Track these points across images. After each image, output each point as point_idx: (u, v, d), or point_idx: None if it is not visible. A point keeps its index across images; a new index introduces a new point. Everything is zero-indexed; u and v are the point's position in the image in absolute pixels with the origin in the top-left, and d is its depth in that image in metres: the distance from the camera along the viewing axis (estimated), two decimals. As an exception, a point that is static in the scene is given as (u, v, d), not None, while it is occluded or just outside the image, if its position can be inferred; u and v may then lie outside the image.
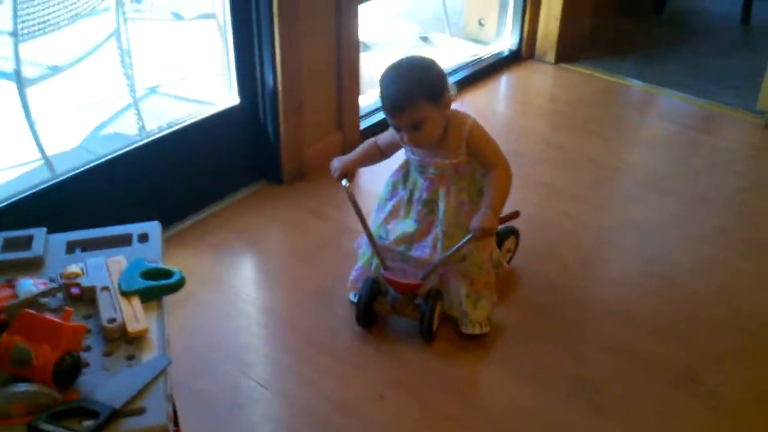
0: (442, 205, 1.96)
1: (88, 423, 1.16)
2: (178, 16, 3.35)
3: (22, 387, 1.18)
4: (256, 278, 2.43)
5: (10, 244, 1.54)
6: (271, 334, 2.17)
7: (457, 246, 1.94)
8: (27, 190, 2.20)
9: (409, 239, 2.01)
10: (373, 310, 2.07)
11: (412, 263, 2.02)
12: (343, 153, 2.92)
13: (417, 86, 1.82)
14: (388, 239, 2.03)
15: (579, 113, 3.35)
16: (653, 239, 2.55)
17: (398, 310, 2.05)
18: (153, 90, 3.34)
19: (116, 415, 1.18)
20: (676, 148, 3.10)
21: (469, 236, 1.91)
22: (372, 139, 2.10)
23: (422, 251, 1.99)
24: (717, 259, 2.46)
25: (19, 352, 1.20)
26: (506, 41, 3.78)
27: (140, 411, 1.19)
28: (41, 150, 2.73)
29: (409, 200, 2.03)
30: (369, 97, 3.25)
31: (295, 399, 1.93)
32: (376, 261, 2.08)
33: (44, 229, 1.59)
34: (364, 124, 3.04)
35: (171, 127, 2.53)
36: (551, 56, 3.72)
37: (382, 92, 1.87)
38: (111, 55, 3.03)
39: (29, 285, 1.36)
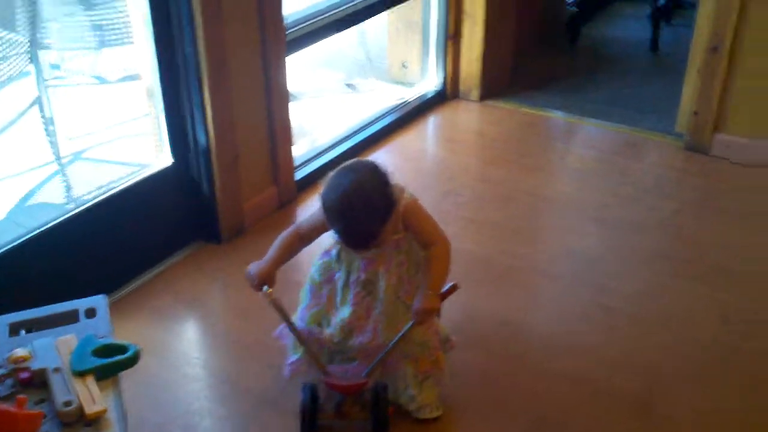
0: (382, 283, 1.85)
1: None
2: (101, 80, 3.30)
3: (-23, 485, 1.12)
4: (202, 341, 2.38)
5: (-51, 332, 1.48)
6: (224, 396, 2.13)
7: (400, 334, 1.82)
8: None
9: (348, 327, 1.87)
10: (317, 421, 1.88)
11: (349, 352, 1.90)
12: (280, 206, 2.94)
13: (377, 221, 1.72)
14: (328, 330, 1.89)
15: (508, 147, 3.41)
16: (594, 268, 2.60)
17: (345, 415, 1.89)
18: (78, 156, 3.27)
19: (81, 503, 1.13)
20: (606, 176, 3.18)
21: (411, 322, 1.80)
22: (290, 230, 1.91)
23: (363, 337, 1.87)
24: (658, 283, 2.52)
25: (-28, 448, 1.15)
26: (431, 82, 3.84)
27: (105, 496, 1.15)
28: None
29: (345, 283, 1.88)
30: (301, 148, 3.25)
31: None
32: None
33: (-16, 313, 1.52)
34: (299, 175, 3.03)
35: (105, 192, 2.48)
36: (476, 94, 3.79)
37: (336, 231, 1.77)
38: (34, 123, 2.96)
39: (-25, 374, 1.30)
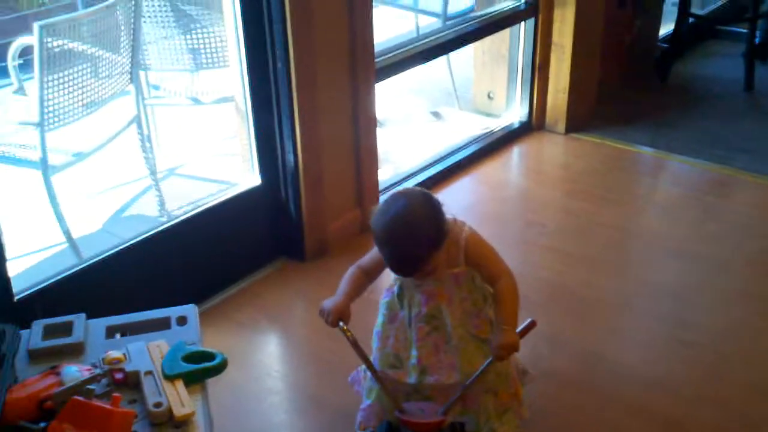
0: (447, 319, 1.80)
1: None
2: (196, 101, 3.42)
3: (73, 475, 1.18)
4: (283, 355, 2.43)
5: (51, 331, 1.56)
6: (303, 409, 2.17)
7: (479, 371, 1.77)
8: (56, 274, 2.22)
9: (420, 366, 1.82)
10: None
11: (426, 391, 1.85)
12: (363, 230, 2.98)
13: (424, 247, 1.67)
14: (402, 368, 1.84)
15: (593, 181, 3.39)
16: (676, 304, 2.56)
17: None
18: (172, 171, 3.40)
19: (168, 501, 1.18)
20: (692, 213, 3.13)
21: (490, 359, 1.76)
22: (354, 268, 1.87)
23: (440, 375, 1.81)
24: (743, 321, 2.46)
25: (69, 440, 1.21)
26: (516, 113, 3.85)
27: (191, 495, 1.19)
28: (66, 234, 2.76)
29: (409, 320, 1.84)
30: (386, 173, 3.30)
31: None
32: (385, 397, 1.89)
33: (83, 315, 1.61)
34: (382, 199, 3.07)
35: (195, 208, 2.57)
36: (561, 126, 3.78)
37: (385, 258, 1.72)
38: (132, 140, 3.10)
39: (74, 371, 1.37)
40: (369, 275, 1.85)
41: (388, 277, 1.86)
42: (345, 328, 1.75)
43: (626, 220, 3.10)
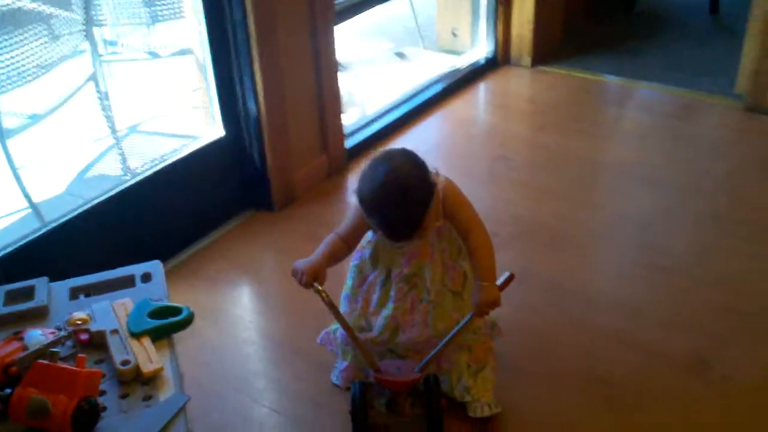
0: (427, 274, 1.77)
1: (112, 468, 1.15)
2: (154, 55, 3.34)
3: (41, 439, 1.16)
4: (256, 306, 2.42)
5: (13, 296, 1.54)
6: (278, 359, 2.16)
7: (458, 327, 1.73)
8: (19, 240, 2.18)
9: (393, 324, 1.80)
10: (368, 419, 1.79)
11: (399, 350, 1.84)
12: (330, 175, 2.95)
13: (419, 209, 1.62)
14: (373, 332, 1.82)
15: (560, 113, 3.37)
16: (649, 231, 2.56)
17: (397, 412, 1.80)
18: (133, 129, 3.33)
19: (139, 457, 1.17)
20: (660, 139, 3.12)
21: (470, 315, 1.71)
22: (333, 235, 1.78)
23: (412, 332, 1.80)
24: (713, 244, 2.48)
25: (35, 404, 1.19)
26: (481, 49, 3.81)
27: (163, 450, 1.18)
28: (28, 198, 2.71)
29: (387, 279, 1.80)
30: (351, 117, 3.26)
31: (309, 422, 1.92)
32: (359, 358, 1.87)
33: (46, 279, 1.58)
34: (349, 144, 3.05)
35: (158, 164, 2.53)
36: (527, 60, 3.75)
37: (377, 224, 1.66)
38: (89, 98, 3.02)
39: (38, 335, 1.35)
40: (348, 243, 1.78)
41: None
42: (320, 288, 1.69)
43: (595, 150, 3.09)
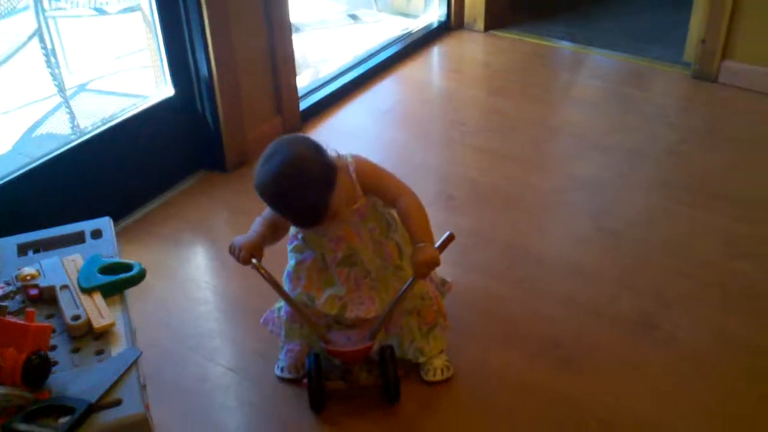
0: (362, 255, 1.75)
1: (64, 420, 1.14)
2: (101, 11, 3.27)
3: (-9, 391, 1.15)
4: (209, 266, 2.40)
5: (-41, 251, 1.50)
6: (232, 318, 2.16)
7: (401, 292, 1.73)
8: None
9: (341, 301, 1.77)
10: (324, 390, 1.80)
11: (346, 322, 1.81)
12: (283, 134, 2.93)
13: (319, 193, 1.57)
14: (315, 305, 1.79)
15: (513, 78, 3.39)
16: (599, 195, 2.60)
17: (352, 381, 1.81)
18: (82, 87, 3.26)
19: (92, 409, 1.16)
20: (611, 106, 3.16)
21: (412, 278, 1.70)
22: (260, 218, 1.76)
23: (359, 310, 1.77)
24: (662, 209, 2.52)
25: (-16, 358, 1.17)
26: (434, 13, 3.79)
27: (116, 403, 1.18)
28: (-26, 156, 2.65)
29: (324, 265, 1.78)
30: (305, 79, 3.23)
31: (265, 381, 1.92)
32: (306, 336, 1.88)
33: (-8, 233, 1.54)
34: (303, 105, 3.02)
35: (108, 122, 2.48)
36: (480, 24, 3.75)
37: (278, 211, 1.64)
38: (35, 55, 2.95)
39: (-14, 290, 1.32)
40: (276, 228, 1.75)
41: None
42: (258, 264, 1.67)
43: (548, 115, 3.12)
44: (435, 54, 3.63)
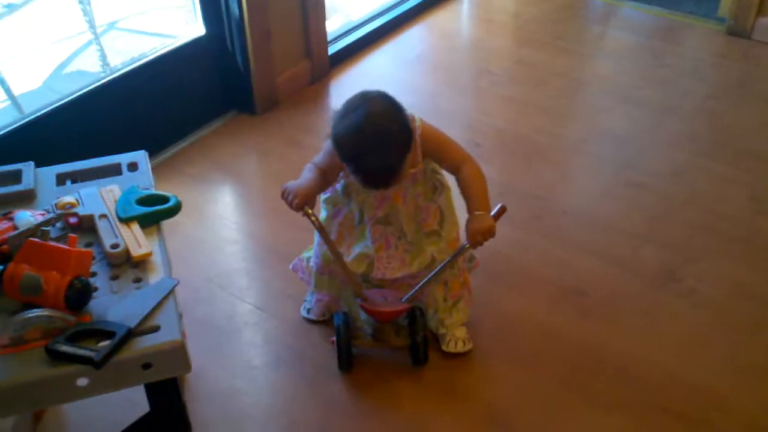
0: (401, 216, 1.73)
1: (105, 343, 1.17)
2: (134, -52, 3.26)
3: (35, 312, 1.19)
4: (239, 206, 2.43)
5: (0, 179, 1.53)
6: (260, 258, 2.20)
7: (452, 257, 1.71)
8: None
9: (369, 260, 1.76)
10: (352, 348, 1.81)
11: (375, 281, 1.80)
12: (313, 81, 2.94)
13: (400, 155, 1.55)
14: (348, 259, 1.77)
15: (544, 29, 3.35)
16: (626, 148, 2.60)
17: (382, 341, 1.81)
18: (113, 25, 3.27)
19: (132, 334, 1.20)
20: (642, 59, 3.13)
21: (464, 245, 1.67)
22: (311, 165, 1.70)
23: (386, 269, 1.76)
24: (689, 164, 2.52)
25: (28, 281, 1.21)
26: (467, -40, 3.75)
27: (155, 329, 1.22)
28: (7, 90, 2.67)
29: (361, 219, 1.75)
30: (335, 23, 3.22)
31: (291, 319, 1.97)
32: (335, 288, 1.87)
33: (32, 163, 1.58)
34: (332, 50, 3.02)
35: (138, 60, 2.49)
36: (512, -27, 3.70)
37: (356, 170, 1.58)
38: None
39: (28, 216, 1.36)
40: (326, 176, 1.69)
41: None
42: (310, 212, 1.63)
43: (577, 67, 3.10)
44: (464, 2, 3.59)
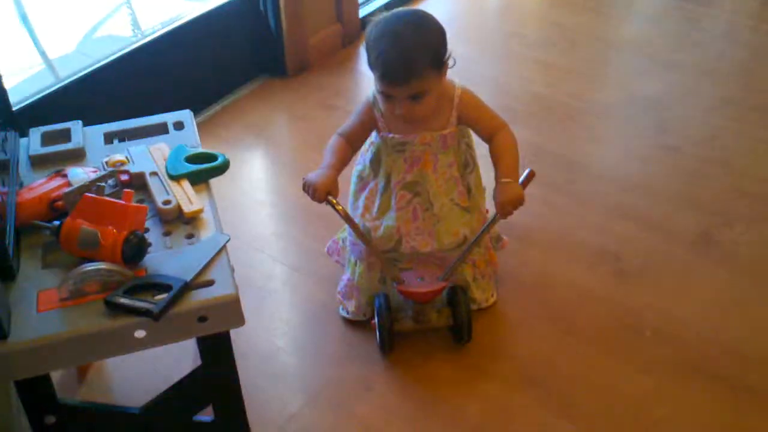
0: (431, 186, 1.71)
1: (162, 296, 1.19)
2: None
3: (94, 266, 1.21)
4: (271, 169, 2.45)
5: (49, 138, 1.55)
6: (295, 221, 2.21)
7: (484, 229, 1.69)
8: (37, 92, 2.18)
9: (397, 235, 1.73)
10: (394, 332, 1.78)
11: (404, 260, 1.78)
12: (344, 44, 2.93)
13: (424, 52, 1.53)
14: (377, 236, 1.74)
15: (575, -9, 3.33)
16: (659, 112, 2.58)
17: (423, 322, 1.78)
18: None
19: (188, 287, 1.21)
20: (675, 22, 3.11)
21: (494, 216, 1.64)
22: (335, 137, 1.71)
23: (415, 241, 1.73)
24: (724, 127, 2.50)
25: (86, 235, 1.23)
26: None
27: (209, 283, 1.23)
28: (43, 54, 2.68)
29: (387, 186, 1.73)
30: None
31: (328, 280, 1.98)
32: (370, 272, 1.83)
33: (80, 122, 1.59)
34: (362, 13, 3.01)
35: (170, 23, 2.49)
36: (543, -64, 3.66)
37: (377, 56, 1.54)
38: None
39: (81, 173, 1.38)
40: (352, 143, 1.71)
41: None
42: (335, 201, 1.61)
43: (609, 29, 3.08)
44: (495, -35, 3.57)
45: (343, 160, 1.68)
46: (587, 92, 2.69)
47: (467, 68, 2.81)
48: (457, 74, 1.65)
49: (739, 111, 2.57)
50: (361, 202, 1.77)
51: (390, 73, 1.54)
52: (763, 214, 2.17)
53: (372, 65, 1.57)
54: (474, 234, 1.73)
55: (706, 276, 1.99)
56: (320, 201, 1.61)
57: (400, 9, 1.64)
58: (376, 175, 1.74)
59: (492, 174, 1.67)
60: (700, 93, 2.67)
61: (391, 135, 1.68)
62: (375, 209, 1.75)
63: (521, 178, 1.64)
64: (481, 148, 1.75)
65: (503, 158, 1.66)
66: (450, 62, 1.61)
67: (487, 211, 1.86)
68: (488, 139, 1.70)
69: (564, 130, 2.51)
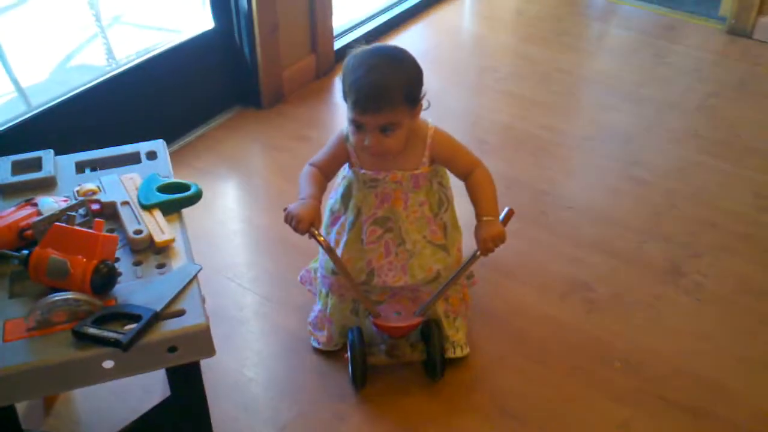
0: (401, 223, 1.70)
1: (131, 326, 1.19)
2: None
3: (62, 295, 1.20)
4: (246, 199, 2.45)
5: (20, 167, 1.54)
6: (267, 251, 2.21)
7: (463, 266, 1.69)
8: (6, 122, 2.17)
9: (368, 268, 1.73)
10: (367, 363, 1.77)
11: (376, 294, 1.78)
12: (318, 76, 2.95)
13: (399, 85, 1.53)
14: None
15: (546, 26, 3.39)
16: (627, 144, 2.63)
17: (397, 356, 1.78)
18: (118, 19, 3.27)
19: (158, 317, 1.21)
20: (643, 57, 3.16)
21: (474, 253, 1.64)
22: (309, 167, 1.70)
23: (387, 276, 1.73)
24: (692, 161, 2.55)
25: (54, 264, 1.22)
26: (469, -42, 3.77)
27: (180, 313, 1.23)
28: (15, 82, 2.68)
29: (356, 220, 1.72)
30: (340, 19, 3.23)
31: (300, 310, 1.98)
32: (341, 304, 1.83)
33: (51, 151, 1.59)
34: (337, 45, 3.04)
35: (146, 53, 2.50)
36: (514, -28, 3.72)
37: (352, 83, 1.54)
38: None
39: (51, 202, 1.37)
40: (325, 173, 1.70)
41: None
42: (317, 233, 1.59)
43: (580, 64, 3.13)
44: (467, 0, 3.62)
45: (322, 189, 1.68)
46: (558, 125, 2.72)
47: (439, 101, 2.83)
48: (430, 107, 1.66)
49: (704, 144, 2.62)
50: (332, 237, 1.77)
51: (362, 99, 1.53)
52: (730, 245, 2.20)
53: (346, 93, 1.58)
54: (448, 270, 1.73)
55: (675, 307, 2.01)
56: (303, 233, 1.58)
57: (381, 44, 1.66)
58: (347, 209, 1.74)
59: (469, 208, 1.68)
60: (666, 127, 2.72)
61: (363, 171, 1.68)
62: (342, 245, 1.74)
63: (501, 216, 1.65)
64: (457, 184, 1.76)
65: (482, 196, 1.67)
66: (424, 104, 1.62)
67: (461, 248, 1.83)
68: (464, 177, 1.70)
69: (535, 162, 2.54)
